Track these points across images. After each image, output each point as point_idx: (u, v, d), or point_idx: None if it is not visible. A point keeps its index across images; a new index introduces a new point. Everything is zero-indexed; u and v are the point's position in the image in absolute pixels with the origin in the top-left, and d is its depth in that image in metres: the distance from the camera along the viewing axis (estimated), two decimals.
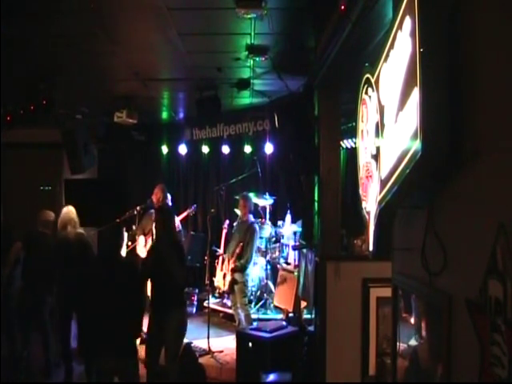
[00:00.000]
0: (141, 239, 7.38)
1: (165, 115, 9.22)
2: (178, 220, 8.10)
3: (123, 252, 7.80)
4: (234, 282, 6.98)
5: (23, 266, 6.05)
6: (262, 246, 8.11)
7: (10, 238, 6.11)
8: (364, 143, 2.94)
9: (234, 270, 6.99)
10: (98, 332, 4.37)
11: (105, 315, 4.32)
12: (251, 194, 7.95)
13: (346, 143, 8.07)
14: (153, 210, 7.06)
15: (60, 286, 5.81)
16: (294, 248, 7.57)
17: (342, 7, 3.60)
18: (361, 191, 3.02)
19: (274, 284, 7.90)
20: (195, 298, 8.72)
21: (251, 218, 7.33)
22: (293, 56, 5.61)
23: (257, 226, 7.37)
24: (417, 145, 1.77)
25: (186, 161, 9.91)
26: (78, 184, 8.36)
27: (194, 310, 8.65)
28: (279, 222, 8.50)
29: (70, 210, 5.91)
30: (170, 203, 7.63)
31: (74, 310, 5.75)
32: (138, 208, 7.48)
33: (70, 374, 5.73)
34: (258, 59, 5.46)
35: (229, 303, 7.92)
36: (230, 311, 7.62)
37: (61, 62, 5.79)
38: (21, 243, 6.12)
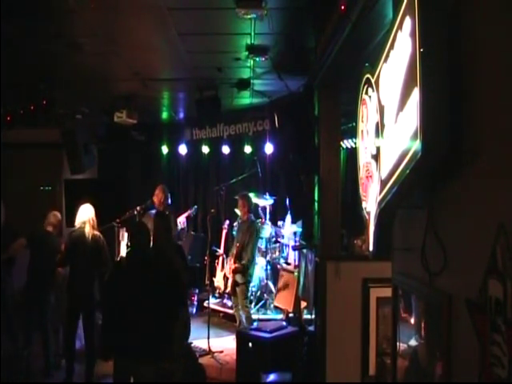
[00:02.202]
0: None
1: (165, 115, 9.22)
2: (183, 217, 8.11)
3: (123, 252, 7.82)
4: (235, 283, 6.98)
5: (28, 265, 6.04)
6: (262, 246, 8.11)
7: (10, 237, 6.09)
8: (364, 143, 2.94)
9: (235, 272, 6.98)
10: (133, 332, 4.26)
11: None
12: (251, 194, 7.95)
13: (346, 143, 8.07)
14: (153, 211, 7.06)
15: (70, 285, 5.79)
16: (294, 248, 7.57)
17: (342, 7, 3.60)
18: (361, 191, 3.02)
19: (274, 284, 7.90)
20: (195, 298, 8.72)
21: (251, 217, 7.33)
22: (293, 56, 5.61)
23: (257, 225, 7.37)
24: (417, 145, 1.77)
25: (186, 161, 9.92)
26: (78, 184, 8.35)
27: (194, 310, 8.65)
28: (279, 222, 8.50)
29: (90, 209, 5.87)
30: (170, 203, 7.64)
31: (82, 309, 5.73)
32: (138, 208, 7.48)
33: (71, 374, 5.71)
34: (258, 59, 5.46)
35: (229, 303, 7.92)
36: (230, 311, 7.62)
37: (61, 62, 5.78)
38: (25, 240, 6.11)
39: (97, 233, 5.80)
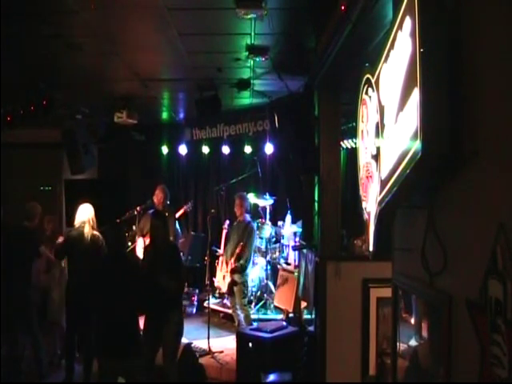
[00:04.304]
0: (140, 241, 7.37)
1: (165, 115, 9.22)
2: (178, 214, 8.10)
3: None
4: (233, 283, 6.98)
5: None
6: (262, 247, 8.11)
7: (10, 237, 6.08)
8: (364, 143, 2.94)
9: (233, 271, 6.98)
10: (105, 331, 4.39)
11: (111, 314, 4.33)
12: (250, 194, 7.95)
13: (346, 143, 8.07)
14: (150, 212, 7.07)
15: (69, 284, 5.77)
16: (294, 248, 7.57)
17: (342, 7, 3.60)
18: (361, 191, 3.02)
19: (274, 284, 7.90)
20: (195, 299, 8.71)
21: (248, 217, 7.33)
22: (293, 56, 5.61)
23: (254, 226, 7.37)
24: (417, 145, 1.77)
25: (186, 161, 9.91)
26: (78, 184, 8.35)
27: (194, 310, 8.65)
28: (279, 223, 8.50)
29: (90, 209, 5.85)
30: (169, 203, 7.64)
31: (81, 309, 5.71)
32: (138, 208, 7.49)
33: (72, 373, 5.69)
34: (258, 59, 5.45)
35: (229, 303, 7.92)
36: (230, 311, 7.62)
37: (61, 62, 5.78)
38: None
39: (96, 233, 5.79)
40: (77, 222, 5.78)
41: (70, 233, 5.87)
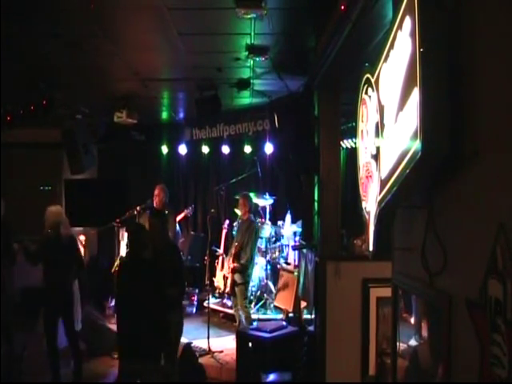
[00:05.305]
0: None
1: (165, 115, 9.21)
2: (179, 218, 8.12)
3: (123, 253, 7.82)
4: (234, 283, 6.97)
5: None
6: (262, 246, 8.12)
7: (10, 237, 6.08)
8: (364, 143, 2.94)
9: (233, 271, 6.98)
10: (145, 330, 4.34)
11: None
12: (251, 194, 7.96)
13: (346, 143, 8.07)
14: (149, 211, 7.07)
15: (45, 286, 5.74)
16: (294, 248, 7.58)
17: (342, 7, 3.60)
18: (361, 191, 3.02)
19: (274, 284, 7.90)
20: (195, 298, 8.72)
21: (252, 217, 7.33)
22: (293, 56, 5.61)
23: (257, 225, 7.37)
24: (417, 145, 1.77)
25: (186, 161, 9.91)
26: (78, 184, 8.36)
27: (194, 310, 8.65)
28: (279, 222, 8.50)
29: (61, 211, 5.83)
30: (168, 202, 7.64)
31: (60, 309, 5.70)
32: (137, 208, 7.48)
33: (57, 374, 5.63)
34: (258, 59, 5.45)
35: (229, 303, 7.93)
36: (230, 311, 7.62)
37: (61, 62, 5.78)
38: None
39: (70, 233, 5.79)
40: (49, 225, 5.70)
41: (44, 236, 5.81)
